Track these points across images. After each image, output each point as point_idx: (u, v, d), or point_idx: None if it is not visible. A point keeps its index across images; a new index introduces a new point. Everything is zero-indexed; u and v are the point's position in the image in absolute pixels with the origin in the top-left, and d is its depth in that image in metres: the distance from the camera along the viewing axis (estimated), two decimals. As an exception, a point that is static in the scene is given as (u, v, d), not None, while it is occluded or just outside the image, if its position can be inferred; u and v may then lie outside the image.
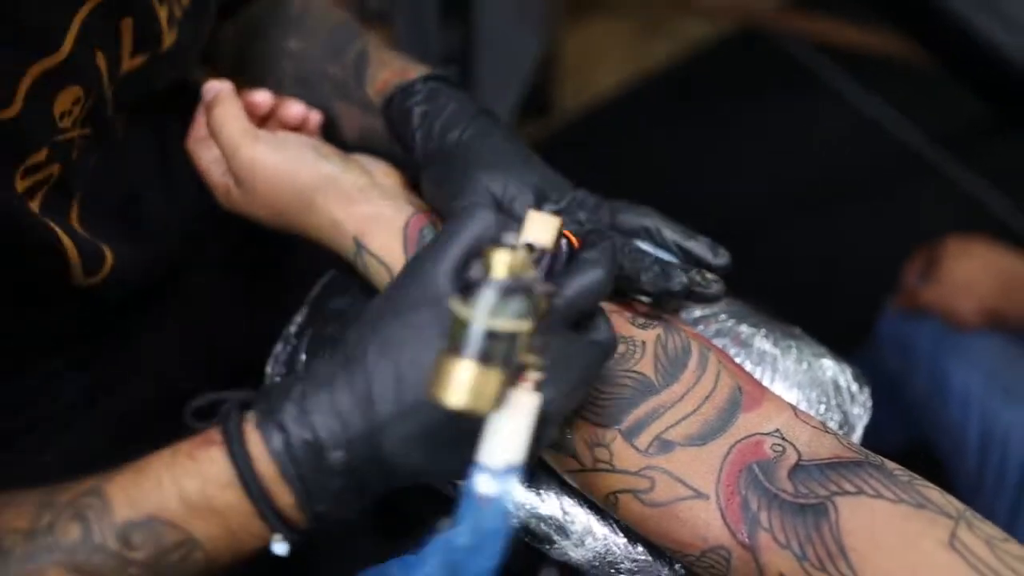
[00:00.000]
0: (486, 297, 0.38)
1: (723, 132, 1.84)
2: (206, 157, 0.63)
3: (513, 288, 0.39)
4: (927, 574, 0.42)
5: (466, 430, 0.42)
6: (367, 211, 0.58)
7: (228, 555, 0.46)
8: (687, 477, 0.49)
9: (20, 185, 0.49)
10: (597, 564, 0.54)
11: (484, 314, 0.38)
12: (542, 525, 0.55)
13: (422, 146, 0.59)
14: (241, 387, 0.71)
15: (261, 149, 0.59)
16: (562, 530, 0.54)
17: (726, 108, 1.88)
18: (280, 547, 0.46)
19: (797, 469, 0.48)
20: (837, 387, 0.61)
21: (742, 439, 0.49)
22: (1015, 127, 1.51)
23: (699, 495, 0.48)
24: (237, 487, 0.44)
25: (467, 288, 0.40)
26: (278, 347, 0.62)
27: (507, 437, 0.40)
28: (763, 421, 0.50)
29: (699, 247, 0.56)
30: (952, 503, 0.45)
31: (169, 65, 0.61)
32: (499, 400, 0.39)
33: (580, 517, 0.55)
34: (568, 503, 0.55)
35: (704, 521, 0.48)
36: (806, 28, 1.93)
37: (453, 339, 0.39)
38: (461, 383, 0.38)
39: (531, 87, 1.70)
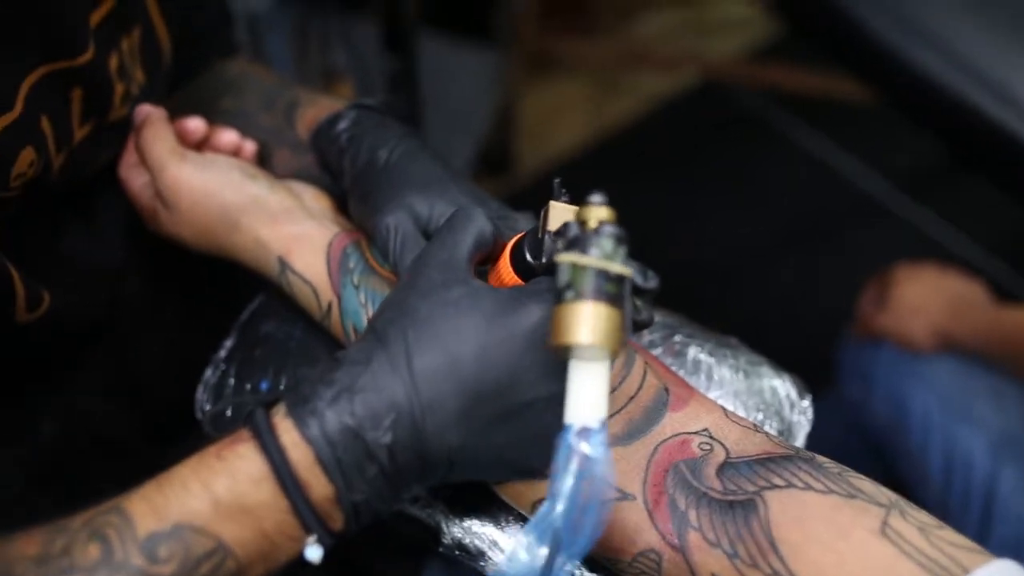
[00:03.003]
0: (603, 243, 0.41)
1: (684, 185, 1.86)
2: (137, 182, 0.63)
3: (620, 235, 0.42)
4: (860, 563, 0.41)
5: (506, 408, 0.43)
6: (292, 231, 0.58)
7: (261, 565, 0.43)
8: None
9: None
10: (532, 578, 0.52)
11: (602, 258, 0.41)
12: (475, 541, 0.53)
13: (350, 168, 0.59)
14: (168, 420, 0.70)
15: (187, 169, 0.59)
16: (495, 545, 0.53)
17: (686, 160, 1.91)
18: (314, 552, 0.43)
19: (725, 466, 0.47)
20: (775, 394, 0.60)
21: (668, 438, 0.48)
22: (968, 167, 1.54)
23: (625, 496, 0.47)
24: (271, 480, 0.42)
25: (572, 244, 0.42)
26: (208, 372, 0.61)
27: (595, 394, 0.41)
28: (690, 421, 0.49)
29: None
30: (884, 492, 0.44)
31: (116, 136, 0.61)
32: (622, 341, 0.41)
33: (513, 531, 0.53)
34: (500, 518, 0.54)
35: (633, 523, 0.47)
36: (763, 78, 1.96)
37: (573, 287, 0.40)
38: (587, 322, 0.39)
39: (490, 146, 1.72)
